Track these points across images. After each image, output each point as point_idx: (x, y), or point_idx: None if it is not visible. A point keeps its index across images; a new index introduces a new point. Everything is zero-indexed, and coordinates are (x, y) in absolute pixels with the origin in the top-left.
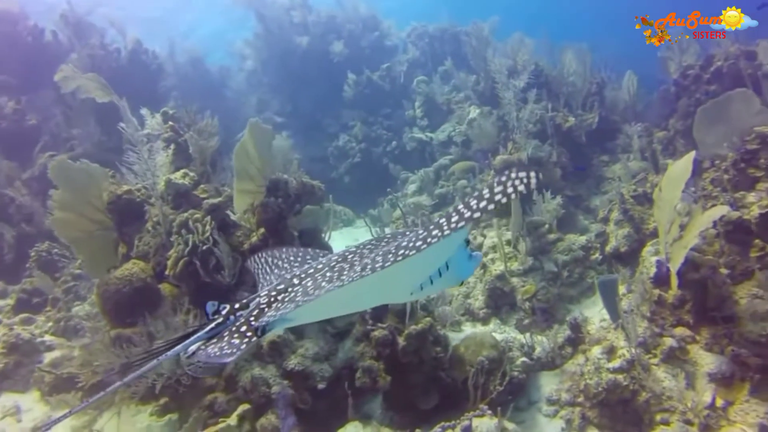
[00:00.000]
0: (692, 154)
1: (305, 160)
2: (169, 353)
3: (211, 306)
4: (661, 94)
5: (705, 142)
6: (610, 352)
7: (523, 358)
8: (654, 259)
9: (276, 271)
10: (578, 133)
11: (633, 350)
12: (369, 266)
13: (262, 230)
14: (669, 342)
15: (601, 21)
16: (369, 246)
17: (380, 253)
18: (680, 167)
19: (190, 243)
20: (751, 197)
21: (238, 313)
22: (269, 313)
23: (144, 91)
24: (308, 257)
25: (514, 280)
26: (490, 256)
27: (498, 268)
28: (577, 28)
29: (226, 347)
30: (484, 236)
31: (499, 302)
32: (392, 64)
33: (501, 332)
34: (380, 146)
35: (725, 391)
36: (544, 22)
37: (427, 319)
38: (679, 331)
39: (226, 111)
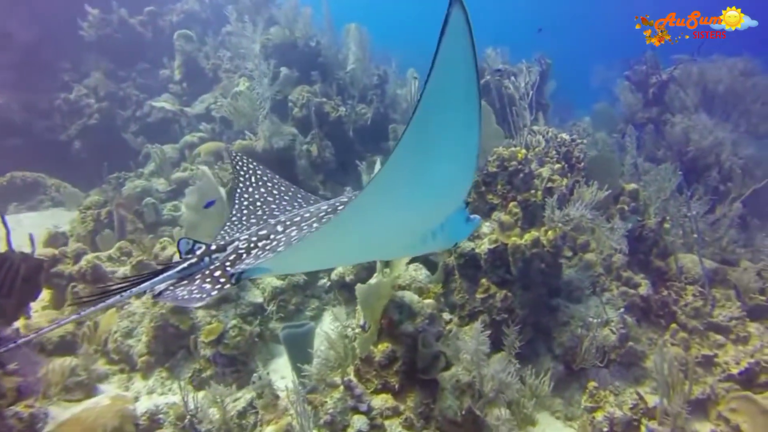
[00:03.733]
0: None
1: (20, 110)
2: (134, 290)
3: (185, 244)
4: None
5: None
6: None
7: None
8: None
9: (262, 191)
10: (348, 126)
11: None
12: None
13: None
14: (359, 424)
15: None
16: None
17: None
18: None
19: None
20: (485, 227)
21: (213, 256)
22: (246, 260)
23: None
24: (299, 197)
25: (199, 315)
26: None
27: None
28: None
29: (195, 291)
30: (165, 248)
31: (171, 345)
32: (158, 10)
33: (162, 392)
34: (129, 109)
35: None
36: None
37: None
38: (380, 400)
39: None
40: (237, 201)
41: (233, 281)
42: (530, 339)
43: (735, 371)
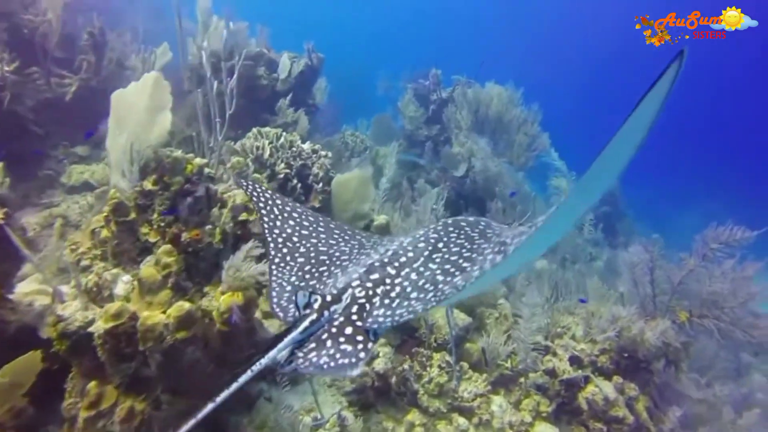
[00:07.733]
0: None
1: None
2: (263, 360)
3: (302, 297)
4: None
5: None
6: None
7: None
8: None
9: (291, 223)
10: (20, 98)
11: None
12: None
13: None
14: None
15: None
16: (452, 235)
17: (497, 242)
18: None
19: None
20: (122, 286)
21: (332, 308)
22: (376, 312)
23: None
24: (331, 224)
25: None
26: None
27: None
28: None
29: (339, 356)
30: None
31: None
32: None
33: None
34: None
35: None
36: None
37: None
38: None
39: None
40: (270, 239)
41: (372, 338)
42: None
43: None
